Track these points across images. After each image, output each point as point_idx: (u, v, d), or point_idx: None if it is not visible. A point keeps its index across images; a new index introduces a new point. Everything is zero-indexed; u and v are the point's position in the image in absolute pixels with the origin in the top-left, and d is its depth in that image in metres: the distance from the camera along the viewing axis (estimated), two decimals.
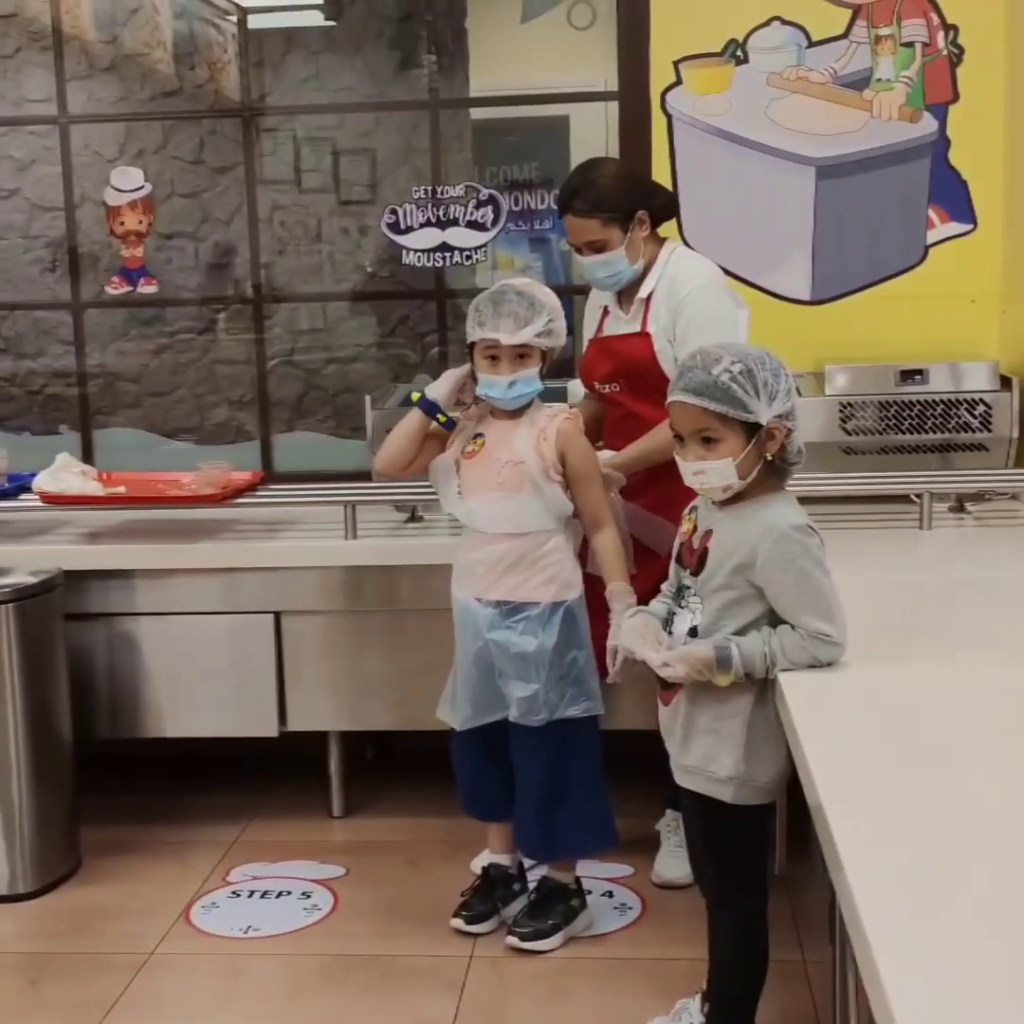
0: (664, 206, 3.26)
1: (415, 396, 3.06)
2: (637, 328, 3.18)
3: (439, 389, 3.03)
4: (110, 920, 3.29)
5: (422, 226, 4.05)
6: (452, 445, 3.05)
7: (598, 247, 3.13)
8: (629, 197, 3.15)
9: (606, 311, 3.29)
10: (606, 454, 3.13)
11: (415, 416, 3.05)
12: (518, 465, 2.95)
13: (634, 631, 2.41)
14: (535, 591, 2.98)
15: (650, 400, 2.96)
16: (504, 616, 3.00)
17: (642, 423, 3.12)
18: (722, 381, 2.23)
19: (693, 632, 2.34)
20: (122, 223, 4.25)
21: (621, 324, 3.23)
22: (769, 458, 2.29)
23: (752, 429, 2.25)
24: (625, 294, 3.22)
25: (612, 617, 2.87)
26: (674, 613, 2.41)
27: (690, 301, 3.10)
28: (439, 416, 3.03)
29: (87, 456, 4.28)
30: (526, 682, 2.99)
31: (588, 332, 3.34)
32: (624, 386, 3.20)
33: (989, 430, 3.70)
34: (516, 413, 3.00)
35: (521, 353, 2.92)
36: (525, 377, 2.93)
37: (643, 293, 3.17)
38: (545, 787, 3.04)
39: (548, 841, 3.10)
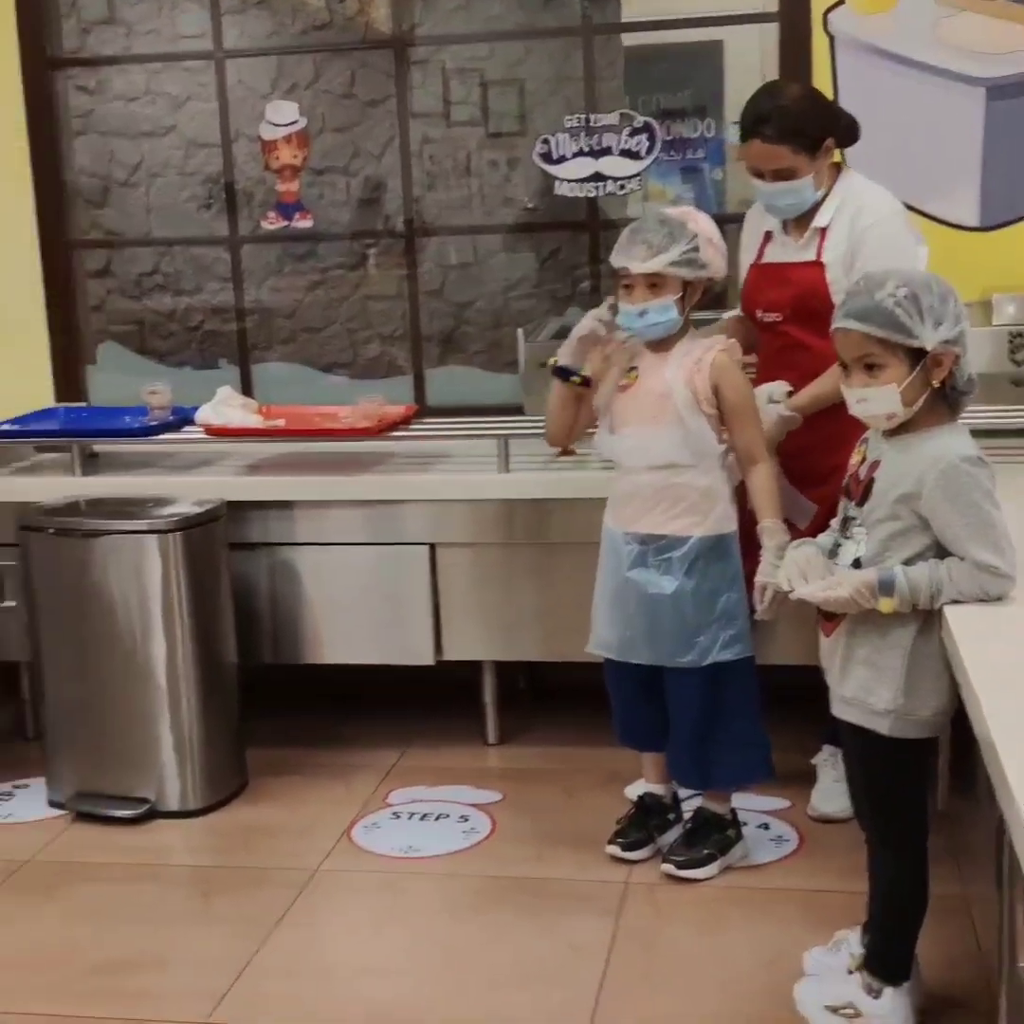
0: (848, 131, 3.17)
1: (551, 361, 3.07)
2: (811, 256, 3.11)
3: (566, 350, 3.04)
4: (277, 837, 3.41)
5: (575, 155, 4.02)
6: (608, 379, 3.05)
7: (785, 174, 3.05)
8: (818, 123, 3.07)
9: (767, 236, 3.22)
10: (771, 388, 3.08)
11: (557, 386, 3.08)
12: (667, 397, 2.93)
13: (795, 564, 2.39)
14: (682, 526, 2.97)
15: (817, 331, 2.91)
16: (650, 553, 3.00)
17: (807, 354, 3.06)
18: (886, 306, 2.20)
19: (856, 564, 2.32)
20: (277, 157, 4.30)
21: (790, 251, 3.16)
22: (936, 386, 2.24)
23: (917, 355, 2.22)
24: (795, 220, 3.15)
25: (763, 554, 2.86)
26: (839, 545, 2.39)
27: (874, 232, 3.03)
28: (573, 378, 3.04)
29: (246, 390, 4.37)
30: (662, 626, 2.99)
31: (748, 256, 3.27)
32: (789, 316, 3.14)
33: None
34: (668, 344, 2.98)
35: (654, 282, 2.89)
36: (657, 306, 2.90)
37: (821, 222, 3.10)
38: (699, 724, 3.05)
39: (703, 772, 3.12)
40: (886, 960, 2.46)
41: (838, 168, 3.16)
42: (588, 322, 3.02)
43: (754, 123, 3.06)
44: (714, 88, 4.58)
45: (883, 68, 3.83)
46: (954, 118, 3.81)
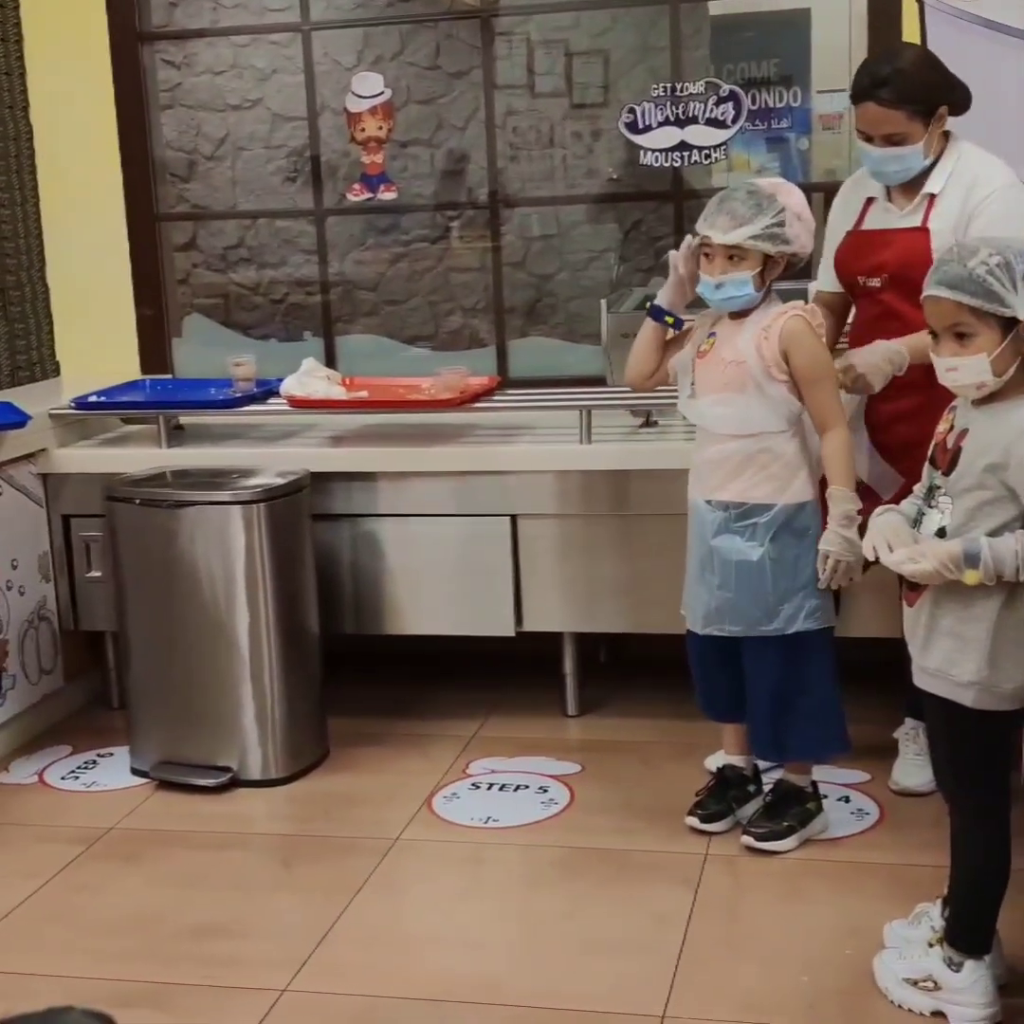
0: (962, 100, 3.06)
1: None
2: (917, 223, 3.02)
3: (662, 292, 3.05)
4: (357, 806, 3.44)
5: (661, 125, 3.99)
6: (689, 343, 3.03)
7: (897, 140, 2.96)
8: (936, 89, 2.98)
9: (869, 202, 3.14)
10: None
11: (647, 325, 3.08)
12: (740, 365, 2.91)
13: (880, 531, 2.37)
14: (766, 493, 2.95)
15: (914, 301, 2.85)
16: (733, 520, 2.98)
17: (902, 323, 2.98)
18: (978, 274, 2.17)
19: (941, 533, 2.29)
20: (362, 129, 4.31)
21: (894, 217, 3.08)
22: None
23: (1009, 324, 2.18)
24: (899, 187, 3.07)
25: (828, 521, 2.86)
26: (923, 513, 2.35)
27: (994, 200, 2.93)
28: (666, 318, 3.04)
29: (330, 362, 4.39)
30: (750, 593, 2.97)
31: (845, 223, 3.19)
32: (887, 283, 3.05)
33: None
34: (746, 311, 2.95)
35: (734, 254, 2.86)
36: (735, 279, 2.87)
37: (932, 188, 3.01)
38: (776, 694, 3.03)
39: (779, 744, 3.10)
40: (967, 933, 2.43)
41: (946, 135, 3.06)
42: (682, 250, 3.01)
43: (871, 85, 2.96)
44: (801, 57, 4.51)
45: (973, 33, 3.74)
46: None
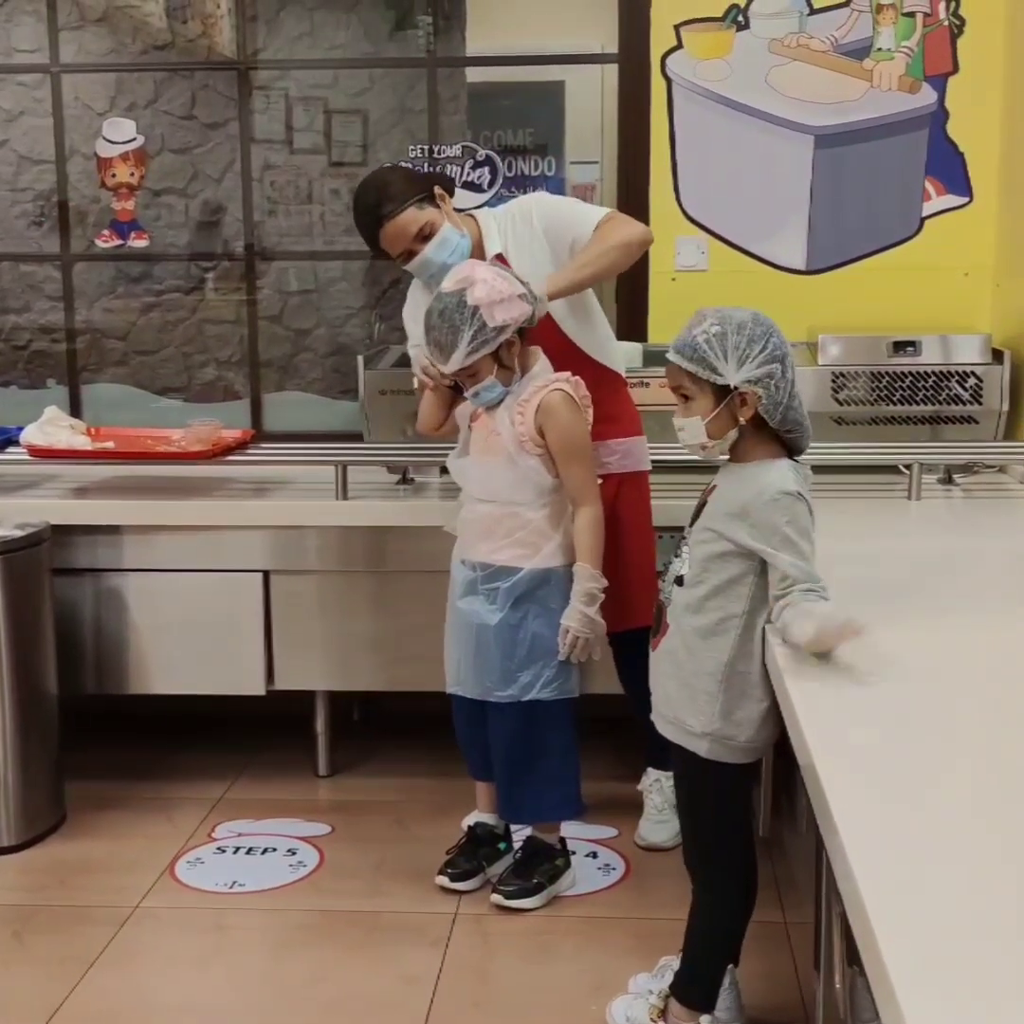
0: (444, 182, 3.24)
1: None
2: None
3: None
4: (95, 874, 3.29)
5: None
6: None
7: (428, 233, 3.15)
8: (419, 181, 3.18)
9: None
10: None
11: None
12: (499, 434, 2.94)
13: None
14: (511, 557, 2.96)
15: None
16: (480, 581, 2.99)
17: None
18: (697, 341, 2.27)
19: (679, 580, 2.37)
20: (113, 175, 4.22)
21: None
22: (742, 422, 2.29)
23: (724, 391, 2.27)
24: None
25: (571, 597, 2.92)
26: (669, 562, 2.43)
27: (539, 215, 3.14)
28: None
29: (75, 411, 4.25)
30: (485, 658, 2.98)
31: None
32: None
33: (979, 403, 3.73)
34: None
35: (469, 372, 2.88)
36: (482, 387, 2.90)
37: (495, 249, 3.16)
38: (511, 754, 3.05)
39: (514, 806, 3.12)
40: (694, 984, 2.47)
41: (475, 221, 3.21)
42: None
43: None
44: (555, 128, 4.65)
45: (718, 112, 3.94)
46: (784, 164, 3.94)
